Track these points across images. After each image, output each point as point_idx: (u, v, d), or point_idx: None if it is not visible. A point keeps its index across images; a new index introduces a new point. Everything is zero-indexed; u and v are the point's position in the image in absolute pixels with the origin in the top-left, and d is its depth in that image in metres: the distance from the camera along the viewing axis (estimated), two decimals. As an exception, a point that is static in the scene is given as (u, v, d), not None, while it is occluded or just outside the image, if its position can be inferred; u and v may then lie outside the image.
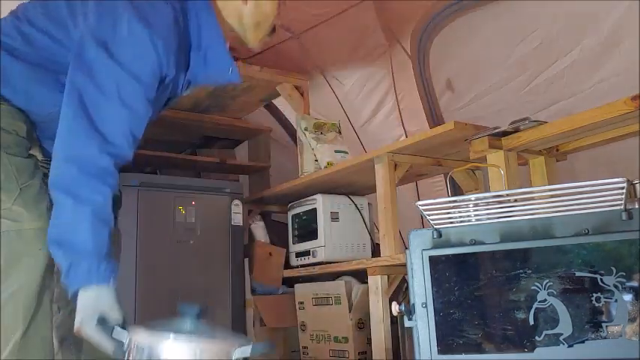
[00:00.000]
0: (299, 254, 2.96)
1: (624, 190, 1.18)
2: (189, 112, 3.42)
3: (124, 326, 1.22)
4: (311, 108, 3.31)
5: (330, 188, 2.90)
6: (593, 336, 1.20)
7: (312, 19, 3.02)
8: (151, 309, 2.64)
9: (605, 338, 1.19)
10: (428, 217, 1.37)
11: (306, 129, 2.97)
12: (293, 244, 3.02)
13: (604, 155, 2.39)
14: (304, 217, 2.96)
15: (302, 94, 3.30)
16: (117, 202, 1.43)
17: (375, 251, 2.87)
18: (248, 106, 3.54)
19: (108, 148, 1.33)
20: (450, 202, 1.38)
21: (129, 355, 1.17)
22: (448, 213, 1.38)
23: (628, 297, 1.18)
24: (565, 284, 1.24)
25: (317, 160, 2.90)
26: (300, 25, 3.09)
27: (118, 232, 1.71)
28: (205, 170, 3.58)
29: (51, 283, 1.49)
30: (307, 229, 2.93)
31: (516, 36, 2.60)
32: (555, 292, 1.24)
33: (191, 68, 1.55)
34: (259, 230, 3.19)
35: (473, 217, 1.37)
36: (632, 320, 1.18)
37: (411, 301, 1.37)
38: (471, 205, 1.38)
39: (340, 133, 3.05)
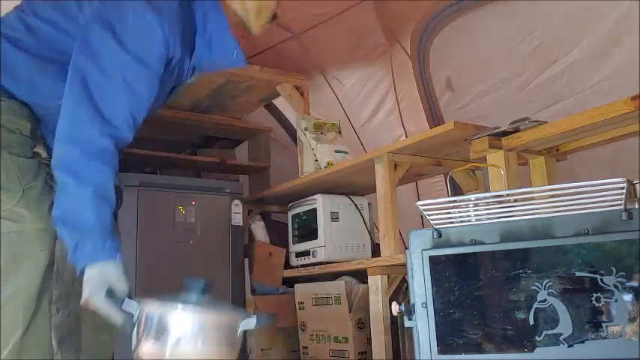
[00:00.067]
0: (299, 254, 2.97)
1: (624, 190, 1.18)
2: (189, 112, 3.42)
3: (130, 298, 1.26)
4: (311, 108, 3.31)
5: (330, 188, 2.90)
6: (593, 336, 1.20)
7: (312, 19, 3.02)
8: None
9: (605, 338, 1.19)
10: (428, 217, 1.37)
11: (306, 129, 2.97)
12: (293, 244, 3.02)
13: (604, 155, 2.39)
14: (304, 217, 2.96)
15: (302, 94, 3.30)
16: (117, 200, 1.44)
17: (375, 251, 2.87)
18: (248, 106, 3.54)
19: (109, 130, 1.35)
20: (450, 202, 1.39)
21: (138, 326, 1.21)
22: (448, 213, 1.38)
23: (628, 297, 1.18)
24: (565, 284, 1.24)
25: (317, 160, 2.90)
26: (300, 25, 3.09)
27: (117, 231, 1.71)
28: (205, 170, 3.58)
29: (50, 284, 1.50)
30: (307, 229, 2.93)
31: (516, 36, 2.60)
32: (555, 292, 1.24)
33: (196, 52, 1.55)
34: (259, 230, 3.19)
35: (473, 217, 1.37)
36: (632, 320, 1.18)
37: (411, 301, 1.37)
38: (471, 205, 1.38)
39: (340, 133, 3.05)
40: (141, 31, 1.40)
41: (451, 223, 1.38)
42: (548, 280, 1.25)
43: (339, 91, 3.45)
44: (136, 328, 1.22)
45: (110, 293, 1.26)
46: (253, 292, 2.96)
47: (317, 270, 2.81)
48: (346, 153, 2.93)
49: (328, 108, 3.49)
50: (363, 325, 2.65)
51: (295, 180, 2.93)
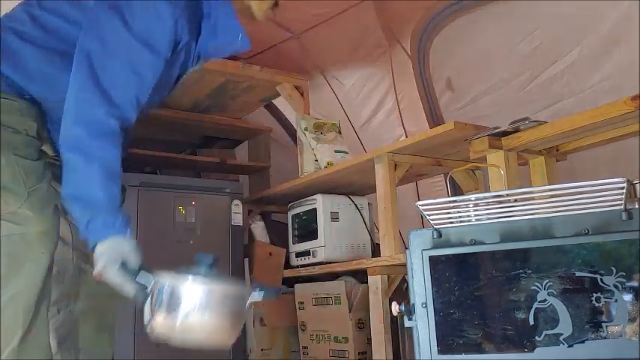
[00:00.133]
0: (299, 254, 2.97)
1: (624, 190, 1.18)
2: (189, 112, 3.42)
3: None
4: (311, 108, 3.31)
5: (330, 188, 2.90)
6: (593, 336, 1.20)
7: (312, 19, 3.02)
8: (151, 309, 2.64)
9: (605, 338, 1.19)
10: (428, 217, 1.37)
11: (306, 129, 2.97)
12: (293, 244, 3.02)
13: (604, 155, 2.39)
14: (304, 217, 2.96)
15: (302, 94, 3.30)
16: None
17: (375, 251, 2.87)
18: (248, 106, 3.54)
19: (114, 110, 1.39)
20: (450, 202, 1.39)
21: (151, 298, 1.28)
22: (448, 213, 1.38)
23: (628, 297, 1.18)
24: (565, 284, 1.24)
25: (317, 160, 2.90)
26: (300, 25, 3.09)
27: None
28: (205, 170, 3.58)
29: (49, 287, 1.50)
30: (307, 229, 2.93)
31: (516, 36, 2.60)
32: (555, 292, 1.24)
33: (201, 37, 1.57)
34: (259, 230, 3.19)
35: (473, 217, 1.37)
36: (632, 320, 1.18)
37: (411, 301, 1.37)
38: (471, 205, 1.38)
39: (340, 133, 3.05)
40: (150, 16, 1.43)
41: (451, 223, 1.38)
42: (548, 280, 1.25)
43: (339, 91, 3.45)
44: (149, 300, 1.28)
45: (123, 266, 1.31)
46: (253, 292, 2.96)
47: (317, 270, 2.81)
48: (346, 153, 2.93)
49: (328, 108, 3.49)
50: (363, 325, 2.65)
51: (295, 180, 2.93)
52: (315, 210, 2.87)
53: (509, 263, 1.30)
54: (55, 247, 1.48)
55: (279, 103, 3.69)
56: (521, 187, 1.85)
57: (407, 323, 1.37)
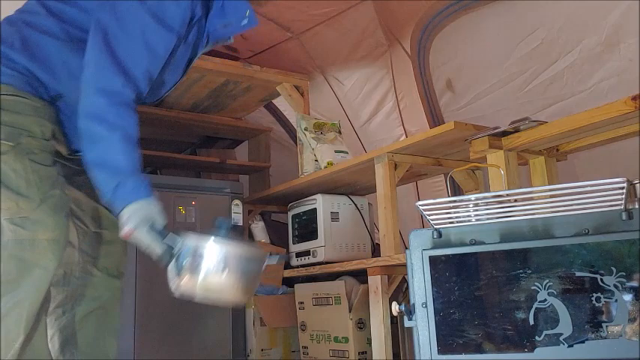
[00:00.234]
0: (299, 254, 2.96)
1: (624, 190, 1.18)
2: (189, 112, 3.42)
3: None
4: (311, 108, 3.31)
5: (330, 188, 2.90)
6: (593, 336, 1.20)
7: (312, 19, 3.02)
8: (151, 309, 2.64)
9: (605, 338, 1.19)
10: (428, 217, 1.37)
11: (306, 129, 2.97)
12: (293, 244, 3.02)
13: (604, 155, 2.39)
14: (304, 217, 2.96)
15: (302, 94, 3.30)
16: None
17: (375, 251, 2.87)
18: (248, 106, 3.54)
19: (130, 81, 1.46)
20: (450, 202, 1.39)
21: (177, 258, 1.37)
22: (448, 213, 1.38)
23: (628, 297, 1.18)
24: (565, 284, 1.24)
25: (317, 160, 2.90)
26: (300, 25, 3.09)
27: None
28: (205, 170, 3.58)
29: (50, 293, 1.51)
30: (307, 229, 2.93)
31: (516, 36, 2.60)
32: (555, 292, 1.24)
33: (210, 16, 1.63)
34: (259, 230, 3.19)
35: (473, 217, 1.37)
36: (632, 320, 1.18)
37: (411, 301, 1.37)
38: (471, 205, 1.38)
39: (340, 133, 3.05)
40: None
41: (451, 223, 1.38)
42: (548, 280, 1.25)
43: (339, 91, 3.45)
44: (174, 260, 1.37)
45: (152, 227, 1.39)
46: (253, 292, 2.96)
47: (317, 270, 2.81)
48: (346, 153, 2.93)
49: (328, 108, 3.49)
50: (363, 325, 2.65)
51: (295, 180, 2.93)
52: (315, 210, 2.87)
53: (509, 263, 1.30)
54: (63, 254, 1.49)
55: (279, 103, 3.69)
56: (521, 187, 1.85)
57: (407, 323, 1.37)
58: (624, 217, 1.21)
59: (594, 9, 2.33)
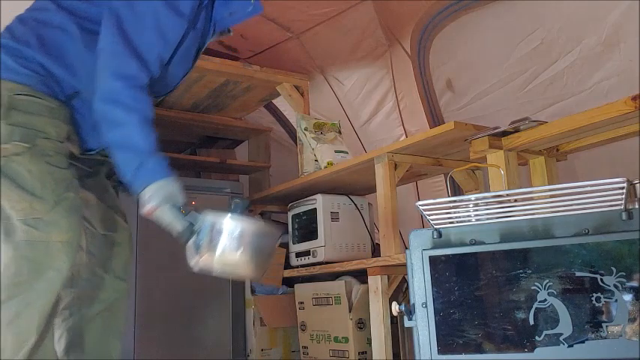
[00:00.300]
0: (299, 254, 2.96)
1: (624, 190, 1.18)
2: (189, 112, 3.42)
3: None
4: (311, 108, 3.31)
5: (330, 188, 2.90)
6: (593, 336, 1.20)
7: (312, 19, 3.02)
8: (151, 309, 2.64)
9: (605, 338, 1.19)
10: (428, 217, 1.37)
11: (306, 129, 2.96)
12: (293, 244, 3.02)
13: (604, 155, 2.39)
14: (304, 217, 2.96)
15: (302, 94, 3.30)
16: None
17: (375, 251, 2.87)
18: (248, 106, 3.54)
19: (144, 65, 1.51)
20: (450, 202, 1.39)
21: (198, 233, 1.44)
22: (448, 213, 1.38)
23: (628, 297, 1.18)
24: (565, 284, 1.24)
25: (317, 160, 2.90)
26: (300, 25, 3.09)
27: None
28: (205, 170, 3.58)
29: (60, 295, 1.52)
30: (307, 229, 2.93)
31: (516, 36, 2.60)
32: (555, 292, 1.24)
33: (217, 6, 1.67)
34: (259, 230, 3.19)
35: (473, 217, 1.37)
36: (632, 320, 1.18)
37: (411, 301, 1.37)
38: (471, 205, 1.38)
39: (340, 133, 3.05)
40: None
41: (451, 223, 1.38)
42: (548, 280, 1.25)
43: (339, 91, 3.45)
44: (195, 237, 1.44)
45: (174, 205, 1.45)
46: (253, 292, 2.96)
47: (317, 270, 2.81)
48: (346, 153, 2.93)
49: (328, 108, 3.49)
50: (363, 325, 2.65)
51: (295, 180, 2.93)
52: (315, 210, 2.87)
53: (509, 263, 1.30)
54: (75, 257, 1.49)
55: (279, 103, 3.69)
56: (521, 187, 1.85)
57: (407, 323, 1.37)
58: (624, 217, 1.21)
59: (594, 9, 2.33)
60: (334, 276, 2.81)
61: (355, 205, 2.93)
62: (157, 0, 1.51)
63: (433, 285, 1.35)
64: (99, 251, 1.70)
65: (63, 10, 1.55)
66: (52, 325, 1.49)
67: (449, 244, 1.37)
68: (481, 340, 1.31)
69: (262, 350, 2.88)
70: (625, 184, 1.18)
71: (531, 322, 1.25)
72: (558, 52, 2.51)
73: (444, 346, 1.33)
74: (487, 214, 1.35)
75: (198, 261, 1.46)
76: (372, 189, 2.68)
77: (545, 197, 1.34)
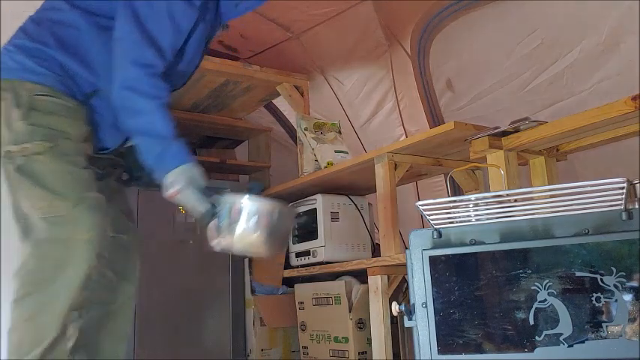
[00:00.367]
0: (299, 254, 2.96)
1: (624, 190, 1.18)
2: (189, 112, 3.42)
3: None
4: (311, 108, 3.31)
5: (330, 188, 2.90)
6: (593, 336, 1.20)
7: (312, 19, 3.02)
8: (152, 309, 2.64)
9: (605, 338, 1.19)
10: (428, 217, 1.37)
11: (306, 129, 2.96)
12: (293, 244, 3.02)
13: (604, 155, 2.39)
14: (304, 217, 2.96)
15: (302, 94, 3.30)
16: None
17: (375, 251, 2.87)
18: (248, 106, 3.54)
19: (160, 55, 1.55)
20: (450, 202, 1.39)
21: (219, 217, 1.50)
22: (448, 213, 1.38)
23: (628, 297, 1.18)
24: (565, 284, 1.24)
25: (317, 160, 2.90)
26: (300, 25, 3.09)
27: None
28: (205, 170, 3.57)
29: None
30: (307, 229, 2.92)
31: (516, 36, 2.60)
32: (555, 292, 1.24)
33: None
34: (259, 230, 3.19)
35: (473, 217, 1.37)
36: (632, 320, 1.18)
37: (411, 301, 1.37)
38: (471, 205, 1.38)
39: (340, 133, 3.05)
40: None
41: (451, 223, 1.38)
42: (548, 280, 1.25)
43: (339, 91, 3.45)
44: (216, 219, 1.49)
45: (196, 188, 1.51)
46: (253, 292, 2.96)
47: (317, 270, 2.81)
48: (346, 153, 2.93)
49: (328, 108, 3.49)
50: (363, 325, 2.65)
51: (295, 180, 2.93)
52: (315, 210, 2.87)
53: (509, 263, 1.30)
54: (96, 256, 1.50)
55: (279, 103, 3.69)
56: (521, 187, 1.85)
57: (407, 323, 1.37)
58: (624, 217, 1.21)
59: (594, 9, 2.33)
60: (334, 276, 2.81)
61: (355, 205, 2.93)
62: None
63: (433, 285, 1.35)
64: (108, 253, 1.70)
65: (77, 9, 1.56)
66: (69, 325, 1.49)
67: (449, 244, 1.37)
68: (481, 340, 1.31)
69: (262, 350, 2.88)
70: (625, 184, 1.18)
71: (531, 322, 1.25)
72: (558, 52, 2.51)
73: (444, 346, 1.32)
74: (487, 214, 1.35)
75: (220, 241, 1.51)
76: (372, 189, 2.68)
77: (545, 197, 1.34)
